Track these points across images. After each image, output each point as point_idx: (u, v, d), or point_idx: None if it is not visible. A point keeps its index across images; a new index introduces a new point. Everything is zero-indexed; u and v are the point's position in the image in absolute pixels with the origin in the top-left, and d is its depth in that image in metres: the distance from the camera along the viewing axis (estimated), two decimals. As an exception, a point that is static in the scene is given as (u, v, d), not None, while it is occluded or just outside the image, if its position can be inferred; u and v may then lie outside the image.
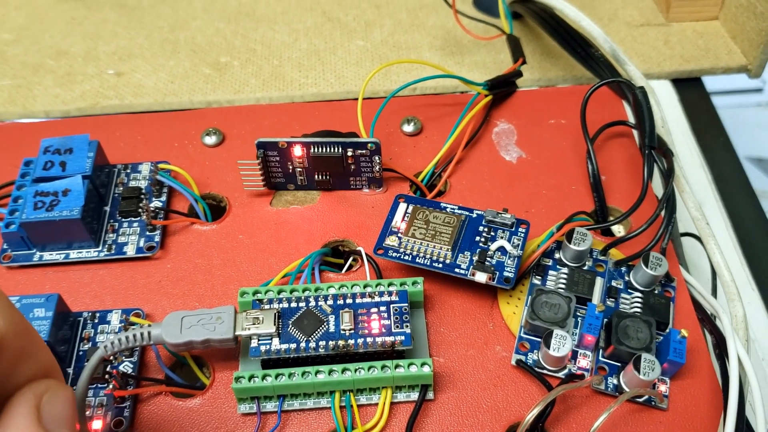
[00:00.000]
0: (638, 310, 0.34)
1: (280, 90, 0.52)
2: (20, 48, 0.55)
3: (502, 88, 0.45)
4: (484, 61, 0.54)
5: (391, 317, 0.32)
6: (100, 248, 0.37)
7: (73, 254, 0.37)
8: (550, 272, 0.36)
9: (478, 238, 0.35)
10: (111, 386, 0.31)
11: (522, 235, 0.36)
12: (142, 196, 0.39)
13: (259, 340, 0.31)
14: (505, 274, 0.34)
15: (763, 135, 0.70)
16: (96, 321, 0.35)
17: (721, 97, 0.73)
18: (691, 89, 0.54)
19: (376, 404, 0.32)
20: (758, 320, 0.42)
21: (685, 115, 0.53)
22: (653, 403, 0.32)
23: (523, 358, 0.33)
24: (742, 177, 0.49)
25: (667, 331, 0.33)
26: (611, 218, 0.39)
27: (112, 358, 0.33)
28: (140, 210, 0.38)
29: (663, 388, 0.32)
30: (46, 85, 0.52)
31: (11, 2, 0.59)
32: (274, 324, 0.31)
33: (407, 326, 0.32)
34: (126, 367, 0.33)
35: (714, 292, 0.40)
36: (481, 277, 0.34)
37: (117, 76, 0.53)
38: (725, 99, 0.74)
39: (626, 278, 0.36)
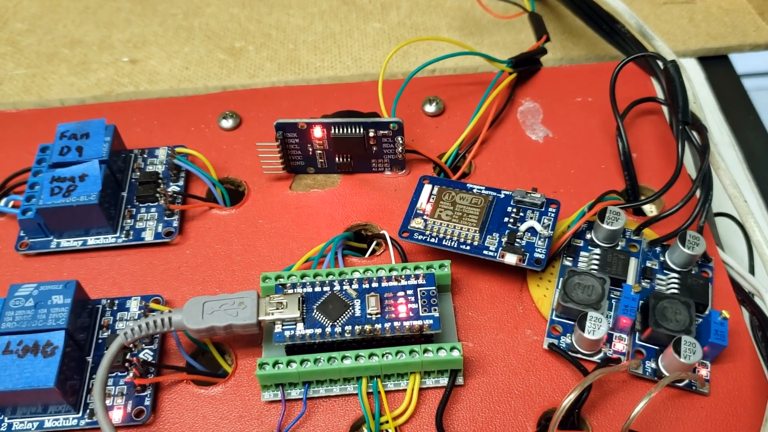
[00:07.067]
0: (675, 291, 0.33)
1: (296, 74, 0.51)
2: (34, 37, 0.55)
3: (526, 65, 0.43)
4: (504, 41, 0.52)
5: (419, 301, 0.31)
6: (117, 234, 0.37)
7: (91, 241, 0.36)
8: (582, 253, 0.35)
9: (506, 219, 0.34)
10: (131, 374, 0.31)
11: (552, 215, 0.34)
12: (160, 181, 0.38)
13: (283, 326, 0.30)
14: (536, 255, 0.33)
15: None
16: (115, 308, 0.34)
17: (753, 79, 0.71)
18: (718, 67, 0.53)
19: (405, 390, 0.31)
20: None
21: (713, 94, 0.52)
22: (694, 387, 0.31)
23: (555, 341, 0.32)
24: (774, 156, 0.48)
25: (707, 312, 0.32)
26: (643, 197, 0.38)
27: (132, 345, 0.32)
28: (158, 195, 0.37)
29: (704, 372, 0.31)
30: (61, 73, 0.52)
31: (24, -9, 0.59)
32: (299, 309, 0.30)
33: (435, 310, 0.31)
34: (146, 354, 0.32)
35: (752, 273, 0.38)
36: (510, 259, 0.33)
37: (132, 64, 0.52)
38: (757, 81, 0.71)
39: (661, 258, 0.34)
